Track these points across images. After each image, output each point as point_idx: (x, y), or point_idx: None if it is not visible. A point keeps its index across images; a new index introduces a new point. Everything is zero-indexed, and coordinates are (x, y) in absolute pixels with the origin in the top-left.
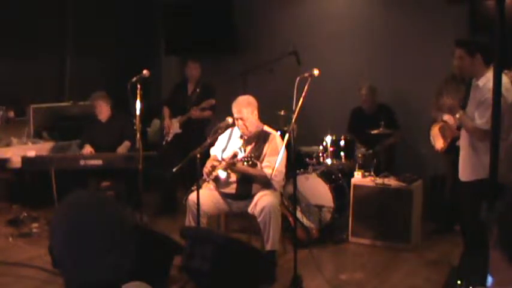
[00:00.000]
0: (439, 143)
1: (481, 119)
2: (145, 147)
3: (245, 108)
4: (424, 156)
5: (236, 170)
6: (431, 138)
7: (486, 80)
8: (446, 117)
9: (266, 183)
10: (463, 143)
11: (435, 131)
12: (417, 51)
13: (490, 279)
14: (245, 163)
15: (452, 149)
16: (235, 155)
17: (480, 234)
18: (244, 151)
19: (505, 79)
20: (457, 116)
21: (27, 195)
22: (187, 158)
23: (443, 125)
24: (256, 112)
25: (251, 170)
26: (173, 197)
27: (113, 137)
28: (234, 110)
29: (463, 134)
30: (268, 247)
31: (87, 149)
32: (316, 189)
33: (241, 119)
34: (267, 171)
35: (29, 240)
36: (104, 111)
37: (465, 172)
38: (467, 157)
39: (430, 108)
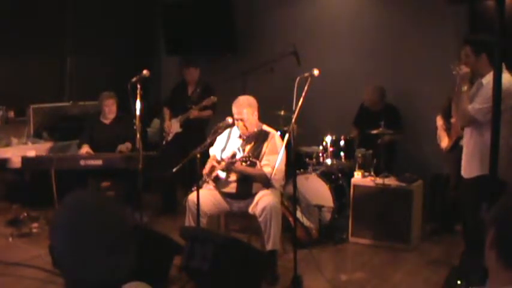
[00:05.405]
0: (444, 142)
1: (475, 105)
2: (145, 147)
3: (246, 109)
4: (425, 156)
5: (235, 170)
6: (437, 136)
7: (491, 78)
8: (453, 120)
9: (266, 182)
10: (465, 140)
11: (442, 130)
12: (417, 51)
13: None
14: (243, 163)
15: (456, 148)
16: (234, 155)
17: (480, 234)
18: (243, 151)
19: (508, 77)
20: (464, 88)
21: (27, 195)
22: (187, 158)
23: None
24: (256, 113)
25: (250, 170)
26: (173, 197)
27: (114, 138)
28: (235, 110)
29: (466, 131)
30: (269, 247)
31: (84, 150)
32: (316, 189)
33: (241, 120)
34: (266, 169)
35: (29, 240)
36: (112, 111)
37: (466, 169)
38: (469, 154)
39: (430, 107)
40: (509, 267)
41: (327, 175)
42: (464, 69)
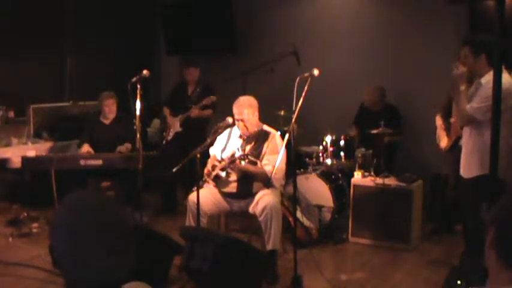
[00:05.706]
0: (443, 141)
1: (473, 104)
2: (145, 147)
3: (246, 109)
4: (425, 156)
5: (235, 168)
6: (437, 136)
7: (490, 78)
8: (453, 119)
9: (266, 181)
10: (464, 140)
11: (441, 129)
12: (417, 51)
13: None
14: (242, 162)
15: (455, 148)
16: (233, 155)
17: (480, 234)
18: (244, 150)
19: (508, 78)
20: (462, 88)
21: (27, 195)
22: (188, 158)
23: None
24: (257, 113)
25: (251, 168)
26: (173, 197)
27: (114, 138)
28: (235, 110)
29: (465, 131)
30: (269, 247)
31: (85, 149)
32: (316, 189)
33: (242, 120)
34: (267, 168)
35: (29, 240)
36: (112, 111)
37: (465, 169)
38: (468, 154)
39: (430, 107)
40: (509, 267)
41: (327, 175)
42: (461, 69)
